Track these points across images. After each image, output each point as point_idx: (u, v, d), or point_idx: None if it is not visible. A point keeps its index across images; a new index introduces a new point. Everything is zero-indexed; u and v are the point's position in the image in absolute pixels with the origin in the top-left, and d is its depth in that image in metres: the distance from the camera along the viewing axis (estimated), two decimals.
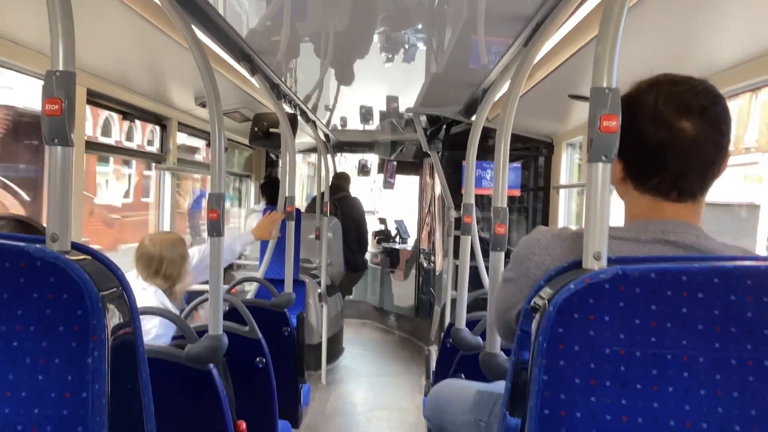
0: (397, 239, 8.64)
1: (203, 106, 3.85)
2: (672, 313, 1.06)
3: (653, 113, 1.25)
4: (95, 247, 1.29)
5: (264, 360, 2.79)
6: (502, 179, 2.26)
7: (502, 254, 2.25)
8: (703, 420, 1.06)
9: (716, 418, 1.06)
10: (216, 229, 2.08)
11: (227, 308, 3.01)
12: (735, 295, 1.06)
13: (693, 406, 1.06)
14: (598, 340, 1.06)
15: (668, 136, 1.24)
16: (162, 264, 2.71)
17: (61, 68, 1.15)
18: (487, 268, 3.33)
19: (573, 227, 1.23)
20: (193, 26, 2.15)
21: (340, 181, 7.13)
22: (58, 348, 1.08)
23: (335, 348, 6.36)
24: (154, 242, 2.76)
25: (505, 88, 2.56)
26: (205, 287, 3.20)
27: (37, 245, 1.12)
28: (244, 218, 6.34)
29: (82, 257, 1.16)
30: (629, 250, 1.26)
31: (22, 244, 1.12)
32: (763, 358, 1.06)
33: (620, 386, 1.06)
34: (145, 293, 2.62)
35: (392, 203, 10.69)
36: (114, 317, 1.14)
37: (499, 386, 2.00)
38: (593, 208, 1.16)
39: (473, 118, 3.31)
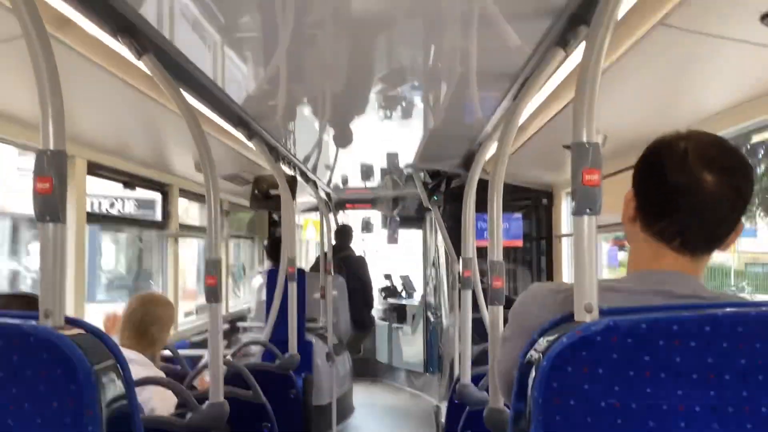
0: (404, 294, 8.60)
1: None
2: (665, 362, 1.06)
3: (680, 158, 1.27)
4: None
5: (269, 425, 2.76)
6: (497, 233, 2.26)
7: (501, 308, 2.24)
8: None
9: None
10: (214, 295, 2.08)
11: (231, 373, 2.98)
12: (727, 342, 1.06)
13: None
14: (592, 393, 1.06)
15: (687, 181, 1.26)
16: (150, 327, 2.71)
17: (51, 147, 1.17)
18: None
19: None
20: (187, 94, 2.20)
21: (342, 237, 7.13)
22: (53, 424, 1.08)
23: (345, 408, 6.28)
24: (142, 303, 2.76)
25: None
26: (204, 351, 3.19)
27: (31, 322, 1.13)
28: (250, 279, 6.34)
29: (75, 332, 1.17)
30: (622, 301, 1.26)
31: (16, 321, 1.13)
32: (759, 404, 1.05)
33: None
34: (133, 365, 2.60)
35: (397, 258, 10.68)
36: (108, 390, 1.14)
37: None
38: (581, 260, 1.17)
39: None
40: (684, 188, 1.26)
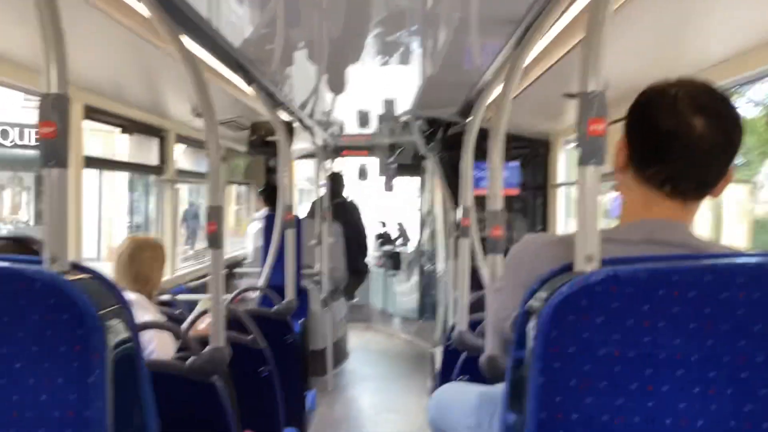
0: (399, 242, 8.65)
1: (200, 116, 3.86)
2: (664, 312, 1.07)
3: (670, 104, 1.28)
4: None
5: (268, 369, 2.80)
6: (497, 181, 2.26)
7: (500, 257, 2.26)
8: (698, 417, 1.07)
9: (711, 415, 1.07)
10: (215, 241, 2.09)
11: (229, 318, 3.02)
12: (726, 292, 1.07)
13: (688, 404, 1.07)
14: (592, 341, 1.07)
15: (677, 126, 1.27)
16: (141, 267, 2.72)
17: (54, 91, 1.16)
18: None
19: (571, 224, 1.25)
20: (186, 38, 2.17)
21: (335, 184, 7.11)
22: (60, 368, 1.09)
23: (340, 352, 6.37)
24: (132, 245, 2.77)
25: (499, 89, 2.57)
26: (203, 296, 3.21)
27: (36, 267, 1.13)
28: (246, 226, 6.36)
29: (81, 277, 1.18)
30: (619, 252, 1.28)
31: (21, 265, 1.13)
32: (756, 354, 1.07)
33: (615, 387, 1.07)
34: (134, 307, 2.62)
35: (394, 206, 10.71)
36: (114, 334, 1.16)
37: (501, 389, 2.01)
38: (584, 210, 1.18)
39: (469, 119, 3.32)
40: (674, 133, 1.28)
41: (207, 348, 2.14)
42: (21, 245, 2.10)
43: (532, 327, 1.11)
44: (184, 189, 9.99)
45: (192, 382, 2.12)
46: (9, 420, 1.08)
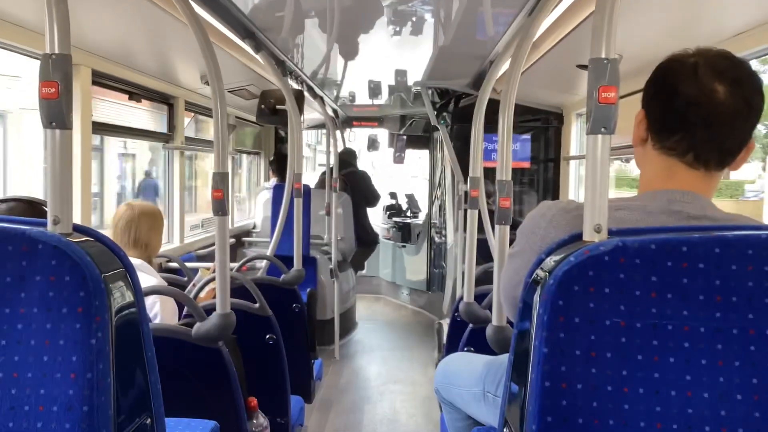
0: (408, 213, 8.63)
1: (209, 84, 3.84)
2: (672, 283, 1.06)
3: (691, 71, 1.27)
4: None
5: (274, 337, 2.81)
6: (506, 152, 2.24)
7: (507, 227, 2.24)
8: (704, 390, 1.06)
9: (717, 387, 1.06)
10: (221, 208, 2.08)
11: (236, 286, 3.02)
12: (736, 264, 1.06)
13: (694, 376, 1.06)
14: (598, 312, 1.06)
15: (699, 93, 1.26)
16: (140, 232, 2.73)
17: (56, 51, 1.15)
18: None
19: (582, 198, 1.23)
20: (194, 4, 2.14)
21: (348, 156, 7.11)
22: (62, 329, 1.09)
23: (348, 323, 6.40)
24: (129, 211, 2.78)
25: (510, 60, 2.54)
26: (211, 264, 3.22)
27: (39, 228, 1.13)
28: (255, 195, 6.35)
29: (84, 239, 1.17)
30: (635, 220, 1.26)
31: (24, 227, 1.13)
32: (764, 327, 1.06)
33: (621, 357, 1.06)
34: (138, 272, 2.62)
35: (403, 177, 10.68)
36: (117, 298, 1.15)
37: (507, 359, 2.01)
38: (593, 180, 1.16)
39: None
40: (695, 100, 1.26)
41: (213, 314, 2.14)
42: (32, 207, 2.11)
43: (538, 296, 1.10)
44: (142, 157, 9.61)
45: (198, 347, 2.13)
46: (10, 380, 1.08)
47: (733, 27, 2.24)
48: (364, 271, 7.72)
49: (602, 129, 1.14)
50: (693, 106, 1.26)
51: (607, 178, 1.16)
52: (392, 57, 4.12)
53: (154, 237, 2.79)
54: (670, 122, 1.31)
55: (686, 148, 1.30)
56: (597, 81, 1.13)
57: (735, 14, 2.18)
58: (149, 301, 2.48)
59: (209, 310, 2.18)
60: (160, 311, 2.52)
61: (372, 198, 7.05)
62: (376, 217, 8.13)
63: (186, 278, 3.28)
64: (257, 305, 2.80)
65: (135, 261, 2.61)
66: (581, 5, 2.36)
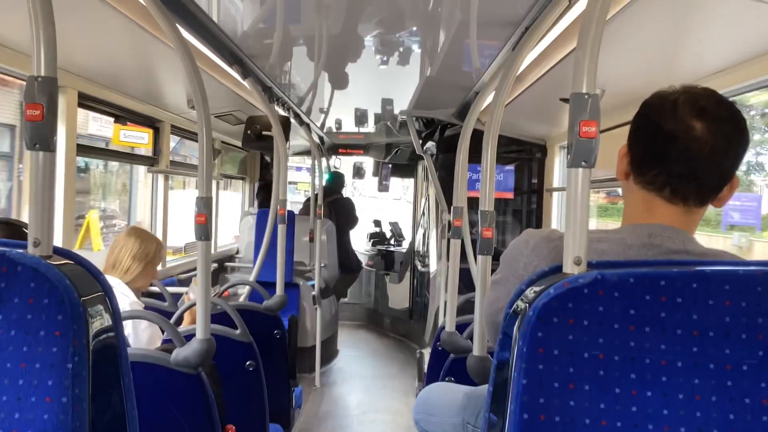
0: (392, 241, 8.64)
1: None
2: (650, 317, 1.07)
3: (671, 107, 1.29)
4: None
5: (255, 363, 2.79)
6: (489, 183, 2.26)
7: (490, 257, 2.25)
8: (681, 424, 1.06)
9: (694, 422, 1.06)
10: (204, 232, 2.08)
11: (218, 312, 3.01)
12: (713, 299, 1.07)
13: (671, 410, 1.06)
14: (577, 344, 1.07)
15: (677, 129, 1.27)
16: (121, 254, 2.72)
17: (42, 74, 1.15)
18: None
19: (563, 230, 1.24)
20: (182, 29, 2.16)
21: (335, 184, 7.13)
22: (39, 353, 1.08)
23: (330, 351, 6.36)
24: (127, 232, 2.78)
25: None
26: (189, 289, 3.20)
27: (19, 250, 1.12)
28: (239, 221, 6.33)
29: (63, 262, 1.16)
30: (615, 253, 1.28)
31: (3, 248, 1.12)
32: (741, 362, 1.07)
33: (599, 390, 1.06)
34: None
35: (387, 206, 10.70)
36: (96, 322, 1.14)
37: (486, 390, 2.01)
38: (573, 212, 1.17)
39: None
40: (674, 135, 1.28)
41: (193, 339, 2.13)
42: (12, 228, 2.10)
43: (517, 327, 1.11)
44: None
45: (177, 373, 2.11)
46: None
47: (715, 64, 2.28)
48: (346, 299, 7.69)
49: (582, 162, 1.15)
50: (670, 141, 1.28)
51: (587, 211, 1.17)
52: (379, 86, 4.14)
53: (135, 265, 2.76)
54: (649, 157, 1.33)
55: (663, 183, 1.31)
56: (578, 115, 1.15)
57: (716, 51, 2.22)
58: (129, 327, 2.46)
59: (189, 335, 2.17)
60: (132, 332, 2.51)
61: (354, 222, 7.06)
62: (360, 244, 8.12)
63: (167, 303, 3.26)
64: (238, 331, 2.79)
65: (112, 281, 2.59)
66: (564, 41, 2.40)
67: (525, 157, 5.05)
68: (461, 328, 2.81)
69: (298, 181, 14.49)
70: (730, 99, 1.35)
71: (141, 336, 2.55)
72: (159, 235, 4.27)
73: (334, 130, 6.51)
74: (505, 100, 2.20)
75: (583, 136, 1.14)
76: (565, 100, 3.34)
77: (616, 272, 1.08)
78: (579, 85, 1.15)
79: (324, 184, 6.19)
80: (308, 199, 6.47)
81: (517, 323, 1.11)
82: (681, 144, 1.27)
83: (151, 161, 4.15)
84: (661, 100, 1.32)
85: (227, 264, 5.84)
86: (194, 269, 4.67)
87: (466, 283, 3.51)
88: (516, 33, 2.33)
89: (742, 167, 1.37)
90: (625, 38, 2.16)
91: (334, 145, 7.32)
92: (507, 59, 2.50)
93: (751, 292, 1.07)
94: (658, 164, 1.31)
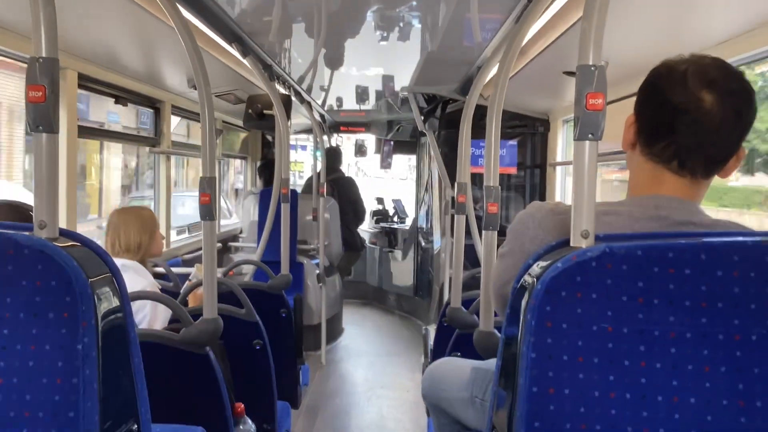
0: (395, 219, 8.63)
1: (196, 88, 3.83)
2: (659, 289, 1.06)
3: (680, 78, 1.27)
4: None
5: (261, 342, 2.80)
6: (493, 158, 2.24)
7: (495, 233, 2.25)
8: (690, 395, 1.07)
9: (704, 392, 1.07)
10: (208, 213, 2.08)
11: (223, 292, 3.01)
12: (721, 270, 1.06)
13: (680, 381, 1.07)
14: (585, 317, 1.07)
15: (686, 101, 1.26)
16: (128, 235, 2.72)
17: (44, 55, 1.14)
18: None
19: (569, 203, 1.23)
20: (181, 7, 2.14)
21: (332, 159, 7.08)
22: (48, 334, 1.08)
23: (335, 328, 6.39)
24: (116, 215, 2.77)
25: (498, 66, 2.55)
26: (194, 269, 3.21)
27: (25, 233, 1.12)
28: (242, 200, 6.33)
29: (70, 244, 1.16)
30: (622, 226, 1.27)
31: (10, 231, 1.12)
32: (750, 332, 1.07)
33: (608, 363, 1.07)
34: (125, 270, 2.59)
35: (390, 182, 10.70)
36: (104, 303, 1.14)
37: (494, 364, 2.01)
38: (580, 186, 1.16)
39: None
40: (682, 107, 1.27)
41: (200, 319, 2.13)
42: (17, 211, 2.09)
43: (525, 302, 1.11)
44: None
45: (185, 352, 2.12)
46: None
47: (721, 33, 2.26)
48: (350, 277, 7.71)
49: (589, 135, 1.15)
50: (680, 114, 1.27)
51: (594, 184, 1.16)
52: (380, 62, 4.12)
53: (145, 237, 2.77)
54: (657, 128, 1.32)
55: (671, 155, 1.30)
56: (584, 88, 1.14)
57: (723, 21, 2.20)
58: (137, 305, 2.46)
59: (196, 315, 2.17)
60: (149, 313, 2.51)
61: (360, 210, 7.02)
62: (363, 222, 8.12)
63: (172, 283, 3.27)
64: (244, 310, 2.79)
65: (127, 262, 2.60)
66: (569, 12, 2.37)
67: (528, 132, 5.02)
68: (466, 303, 2.82)
69: (292, 161, 14.44)
70: (738, 68, 1.34)
71: (160, 317, 2.55)
72: (161, 218, 4.27)
73: (335, 107, 6.49)
74: (509, 74, 2.18)
75: (590, 109, 1.13)
76: (569, 73, 3.33)
77: (623, 245, 1.08)
78: (585, 56, 1.14)
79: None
80: (310, 178, 6.46)
81: (525, 297, 1.11)
82: (690, 117, 1.26)
83: (152, 142, 4.14)
84: (669, 70, 1.31)
85: (231, 244, 5.85)
86: (199, 249, 4.68)
87: (470, 258, 3.51)
88: (519, 5, 2.30)
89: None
90: (630, 6, 2.13)
91: (336, 123, 7.29)
92: (510, 32, 2.47)
93: (760, 263, 1.07)
94: (666, 136, 1.30)
